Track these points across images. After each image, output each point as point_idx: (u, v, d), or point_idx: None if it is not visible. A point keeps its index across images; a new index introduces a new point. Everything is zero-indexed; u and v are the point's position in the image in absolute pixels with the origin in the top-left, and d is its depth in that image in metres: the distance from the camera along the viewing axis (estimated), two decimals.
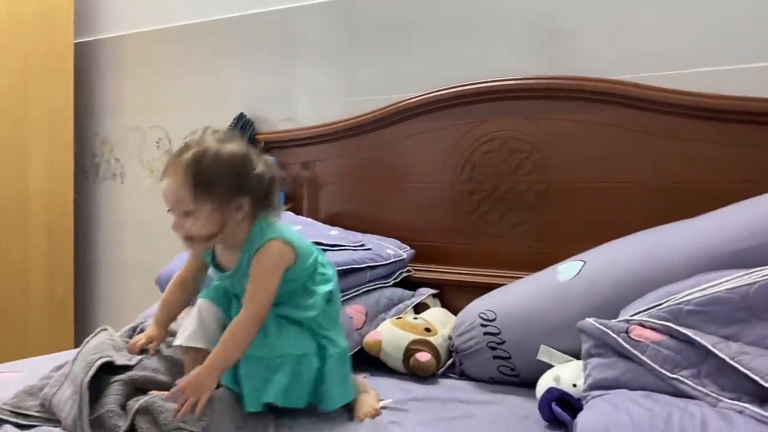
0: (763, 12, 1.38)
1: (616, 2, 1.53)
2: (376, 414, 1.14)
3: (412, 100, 1.72)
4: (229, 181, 1.09)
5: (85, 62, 2.49)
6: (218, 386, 1.08)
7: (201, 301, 1.18)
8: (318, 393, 1.12)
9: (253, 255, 1.11)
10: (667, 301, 1.04)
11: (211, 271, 1.22)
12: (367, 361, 1.40)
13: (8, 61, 2.21)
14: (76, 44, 2.41)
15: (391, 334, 1.41)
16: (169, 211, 1.11)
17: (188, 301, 1.25)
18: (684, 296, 1.03)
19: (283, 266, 1.12)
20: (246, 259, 1.12)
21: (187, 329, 1.14)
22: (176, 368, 1.18)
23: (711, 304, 0.99)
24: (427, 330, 1.43)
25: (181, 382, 1.04)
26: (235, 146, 1.12)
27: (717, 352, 0.93)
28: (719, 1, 1.43)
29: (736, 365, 0.91)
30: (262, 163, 1.15)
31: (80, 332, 2.36)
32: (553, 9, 1.60)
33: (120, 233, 2.46)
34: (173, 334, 1.29)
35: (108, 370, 1.10)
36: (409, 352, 1.38)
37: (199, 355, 1.12)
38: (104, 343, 1.15)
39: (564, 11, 1.59)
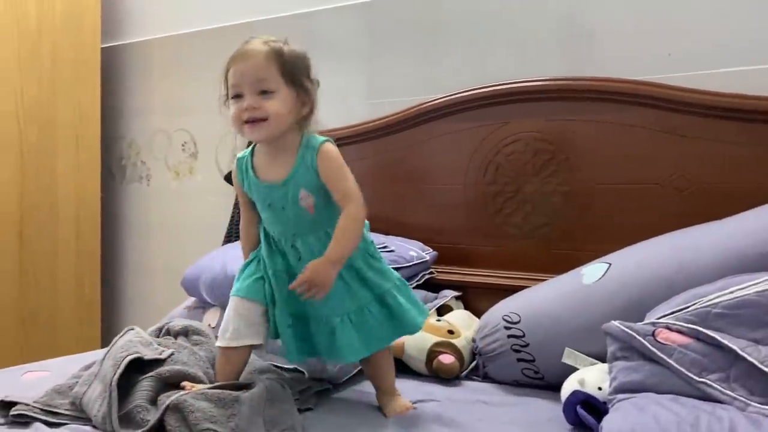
0: None
1: (639, 2, 1.51)
2: (407, 410, 1.16)
3: (436, 101, 1.72)
4: (305, 74, 1.14)
5: (112, 66, 2.54)
6: (245, 388, 1.09)
7: (235, 300, 1.17)
8: (401, 324, 1.17)
9: (315, 156, 1.11)
10: (695, 304, 1.03)
11: (256, 192, 1.16)
12: None
13: (37, 66, 2.26)
14: (102, 49, 2.45)
15: (413, 336, 1.41)
16: (234, 97, 1.11)
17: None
18: (712, 299, 1.01)
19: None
20: (304, 161, 1.11)
21: (227, 330, 1.14)
22: (204, 363, 1.20)
23: (740, 307, 0.98)
24: (450, 332, 1.42)
25: (305, 274, 1.06)
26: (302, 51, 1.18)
27: (746, 356, 0.92)
28: (743, 1, 1.41)
29: (766, 369, 0.89)
30: None
31: (107, 332, 2.40)
32: (575, 10, 1.59)
33: (146, 234, 2.50)
34: (201, 333, 1.31)
35: (137, 367, 1.11)
36: (432, 354, 1.38)
37: (242, 353, 1.14)
38: (132, 341, 1.17)
39: (587, 12, 1.58)
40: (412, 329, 1.19)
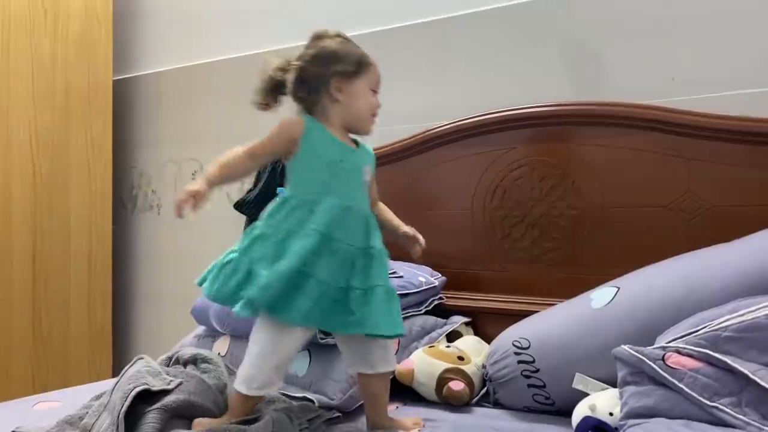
0: None
1: (646, 27, 1.53)
2: (418, 427, 1.20)
3: (443, 128, 1.74)
4: None
5: (123, 98, 2.58)
6: (253, 420, 1.08)
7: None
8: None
9: (371, 153, 1.30)
10: (704, 327, 1.02)
11: (332, 147, 1.20)
12: (400, 390, 1.40)
13: (51, 98, 2.30)
14: (114, 81, 2.49)
15: (423, 363, 1.40)
16: (375, 92, 1.29)
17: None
18: (721, 322, 1.01)
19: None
20: (366, 149, 1.29)
21: (254, 379, 1.12)
22: (213, 391, 1.20)
23: (750, 330, 0.97)
24: (460, 358, 1.42)
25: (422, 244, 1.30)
26: None
27: (757, 379, 0.91)
28: (749, 24, 1.42)
29: None
30: None
31: (118, 361, 2.40)
32: (583, 34, 1.61)
33: (157, 263, 2.52)
34: (210, 361, 1.31)
35: (146, 398, 1.12)
36: (442, 381, 1.37)
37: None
38: (141, 371, 1.18)
39: (594, 37, 1.59)
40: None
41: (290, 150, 1.22)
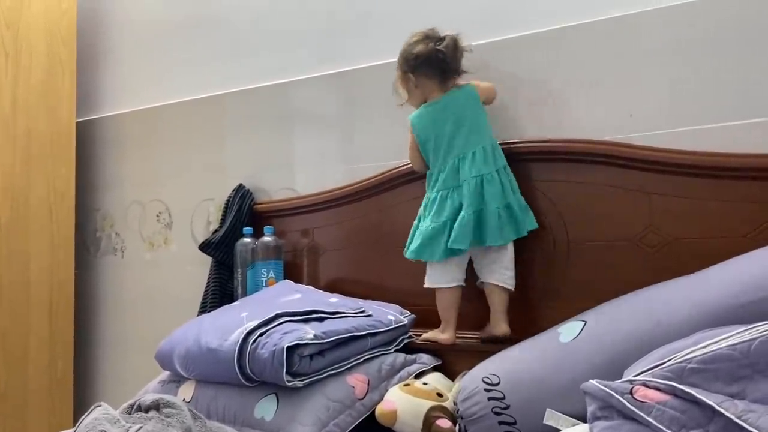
0: (747, 69, 1.42)
1: (604, 67, 1.57)
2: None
3: (409, 165, 1.75)
4: (402, 67, 1.64)
5: (87, 140, 2.55)
6: None
7: None
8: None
9: None
10: (670, 359, 1.03)
11: None
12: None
13: (12, 140, 2.26)
14: (77, 123, 2.47)
15: (407, 403, 1.38)
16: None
17: None
18: (686, 354, 1.01)
19: None
20: None
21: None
22: None
23: (713, 361, 0.98)
24: (439, 395, 1.41)
25: None
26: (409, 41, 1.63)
27: (723, 411, 0.91)
28: (701, 63, 1.47)
29: (743, 424, 0.89)
30: None
31: (80, 411, 2.32)
32: (543, 74, 1.64)
33: (120, 308, 2.46)
34: (173, 405, 1.27)
35: None
36: (429, 419, 1.35)
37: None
38: (98, 419, 1.14)
39: (554, 76, 1.63)
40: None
41: None
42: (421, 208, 1.61)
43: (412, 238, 1.60)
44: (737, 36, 1.43)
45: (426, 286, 1.60)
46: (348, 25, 2.00)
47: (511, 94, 1.68)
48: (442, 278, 1.58)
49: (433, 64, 1.56)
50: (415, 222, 1.62)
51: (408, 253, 1.60)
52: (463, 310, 1.60)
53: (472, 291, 1.61)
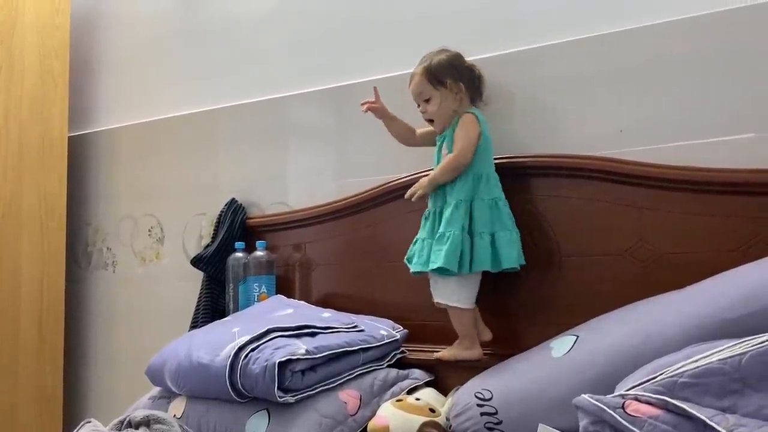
0: (735, 86, 1.44)
1: (594, 83, 1.59)
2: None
3: (401, 180, 1.75)
4: (449, 74, 1.55)
5: (79, 154, 2.55)
6: None
7: None
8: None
9: (457, 121, 1.54)
10: (661, 374, 1.03)
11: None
12: None
13: (3, 154, 2.26)
14: (70, 137, 2.46)
15: (399, 418, 1.37)
16: (419, 106, 1.59)
17: (403, 133, 1.71)
18: (677, 368, 1.02)
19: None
20: (452, 127, 1.55)
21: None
22: None
23: (704, 375, 0.98)
24: (432, 410, 1.40)
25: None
26: (450, 52, 1.59)
27: (714, 425, 0.91)
28: (690, 79, 1.48)
29: None
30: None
31: (69, 426, 2.30)
32: (535, 90, 1.66)
33: (111, 323, 2.44)
34: (163, 422, 1.26)
35: None
36: None
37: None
38: None
39: (545, 91, 1.65)
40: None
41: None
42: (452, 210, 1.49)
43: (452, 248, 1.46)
44: (725, 53, 1.45)
45: (453, 304, 1.50)
46: (341, 40, 2.01)
47: (504, 109, 1.69)
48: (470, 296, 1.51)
49: (476, 81, 1.60)
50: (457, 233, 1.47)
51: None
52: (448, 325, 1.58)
53: None
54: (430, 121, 1.58)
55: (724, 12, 1.45)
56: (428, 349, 1.66)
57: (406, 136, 1.71)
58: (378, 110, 1.69)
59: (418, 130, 1.69)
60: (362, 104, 1.69)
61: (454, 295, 1.49)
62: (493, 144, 1.57)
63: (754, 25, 1.42)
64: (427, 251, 1.49)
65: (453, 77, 1.55)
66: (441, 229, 1.47)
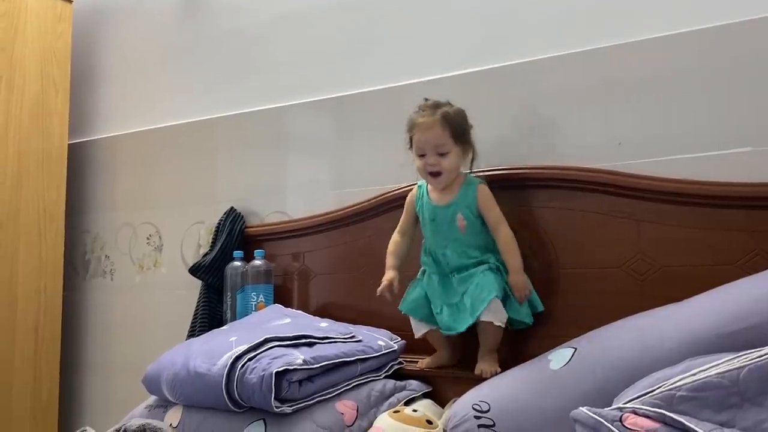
0: (735, 100, 1.44)
1: (593, 96, 1.59)
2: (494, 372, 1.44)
3: (399, 190, 1.76)
4: (467, 130, 1.52)
5: (79, 162, 2.55)
6: None
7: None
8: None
9: (476, 191, 1.52)
10: (659, 387, 1.03)
11: (427, 211, 1.56)
12: None
13: (3, 161, 2.26)
14: (69, 144, 2.47)
15: (396, 430, 1.36)
16: (421, 156, 1.50)
17: (409, 249, 1.64)
18: (675, 382, 1.02)
19: None
20: (466, 193, 1.52)
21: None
22: None
23: (702, 389, 0.98)
24: (429, 422, 1.39)
25: (517, 294, 1.47)
26: (460, 108, 1.53)
27: None
28: (694, 90, 1.49)
29: None
30: None
31: None
32: (534, 101, 1.67)
33: (108, 331, 2.44)
34: (158, 430, 1.26)
35: None
36: None
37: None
38: None
39: (545, 104, 1.65)
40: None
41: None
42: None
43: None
44: (723, 67, 1.46)
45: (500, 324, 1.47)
46: (340, 51, 2.02)
47: (504, 122, 1.70)
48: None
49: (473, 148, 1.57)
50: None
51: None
52: (453, 337, 1.58)
53: None
54: (435, 174, 1.50)
55: (722, 27, 1.46)
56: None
57: (406, 253, 1.64)
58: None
59: (395, 237, 1.64)
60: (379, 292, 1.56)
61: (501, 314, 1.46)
62: (492, 156, 1.58)
63: (753, 39, 1.43)
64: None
65: (471, 139, 1.53)
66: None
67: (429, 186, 1.57)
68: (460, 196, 1.52)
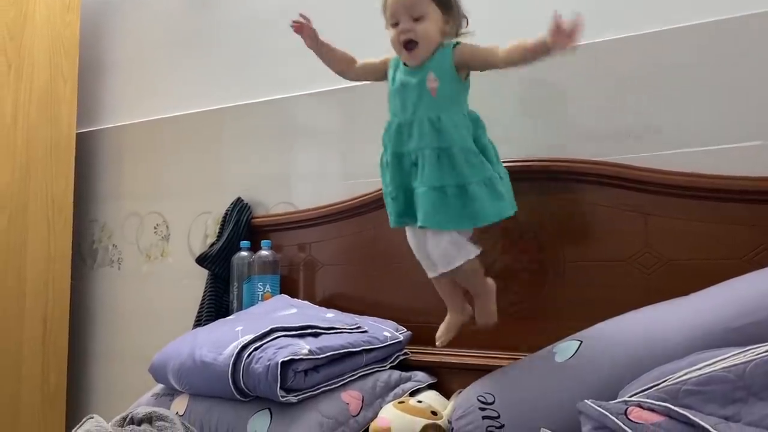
0: (745, 93, 1.43)
1: (602, 89, 1.58)
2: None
3: None
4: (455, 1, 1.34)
5: (86, 151, 2.56)
6: None
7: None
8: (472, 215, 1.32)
9: (451, 50, 1.31)
10: (665, 381, 1.03)
11: (398, 77, 1.36)
12: None
13: (12, 150, 2.27)
14: (77, 134, 2.47)
15: (401, 420, 1.36)
16: (394, 24, 1.32)
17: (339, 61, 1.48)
18: (681, 376, 1.01)
19: None
20: (442, 54, 1.31)
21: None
22: None
23: (708, 383, 0.98)
24: (434, 413, 1.40)
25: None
26: None
27: None
28: (697, 85, 1.48)
29: None
30: None
31: (72, 422, 2.30)
32: (543, 93, 1.66)
33: (115, 320, 2.45)
34: (165, 418, 1.27)
35: None
36: None
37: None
38: (90, 431, 1.13)
39: (554, 96, 1.64)
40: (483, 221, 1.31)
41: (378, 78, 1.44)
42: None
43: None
44: (734, 60, 1.45)
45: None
46: (347, 41, 2.01)
47: (511, 113, 1.69)
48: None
49: (464, 23, 1.41)
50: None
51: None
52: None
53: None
54: (409, 43, 1.30)
55: (732, 19, 1.45)
56: (431, 352, 1.66)
57: (342, 67, 1.48)
58: (305, 30, 1.44)
59: (361, 61, 1.47)
60: (292, 24, 1.45)
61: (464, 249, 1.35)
62: (499, 148, 1.58)
63: (763, 32, 1.42)
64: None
65: (457, 6, 1.34)
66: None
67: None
68: (434, 60, 1.31)
